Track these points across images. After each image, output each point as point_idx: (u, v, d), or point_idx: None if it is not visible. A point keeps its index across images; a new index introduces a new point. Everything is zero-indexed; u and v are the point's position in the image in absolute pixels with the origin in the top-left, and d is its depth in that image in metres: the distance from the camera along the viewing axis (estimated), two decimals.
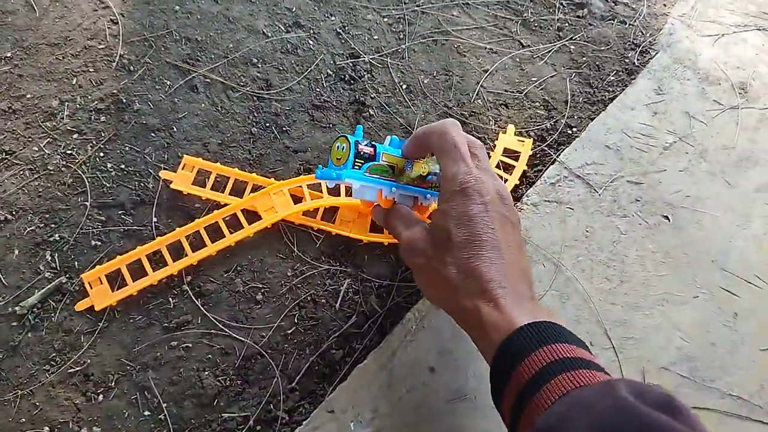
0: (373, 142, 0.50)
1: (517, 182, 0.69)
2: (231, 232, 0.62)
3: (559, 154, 0.70)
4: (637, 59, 0.79)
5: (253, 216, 0.63)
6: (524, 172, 0.70)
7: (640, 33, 0.82)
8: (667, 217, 0.67)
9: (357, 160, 0.48)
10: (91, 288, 0.59)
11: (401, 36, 0.79)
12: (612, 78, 0.78)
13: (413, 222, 0.51)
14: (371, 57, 0.76)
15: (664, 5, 0.86)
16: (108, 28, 0.75)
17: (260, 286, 0.61)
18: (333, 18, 0.79)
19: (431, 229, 0.49)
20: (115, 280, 0.60)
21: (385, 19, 0.80)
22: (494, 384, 0.42)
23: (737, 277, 0.64)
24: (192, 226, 0.62)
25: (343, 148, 0.48)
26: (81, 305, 0.59)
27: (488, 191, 0.46)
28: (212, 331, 0.59)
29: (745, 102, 0.76)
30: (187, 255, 0.61)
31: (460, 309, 0.45)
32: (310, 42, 0.77)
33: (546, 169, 0.70)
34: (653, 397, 0.35)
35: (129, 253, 0.60)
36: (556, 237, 0.65)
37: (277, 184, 0.64)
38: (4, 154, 0.66)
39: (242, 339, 0.58)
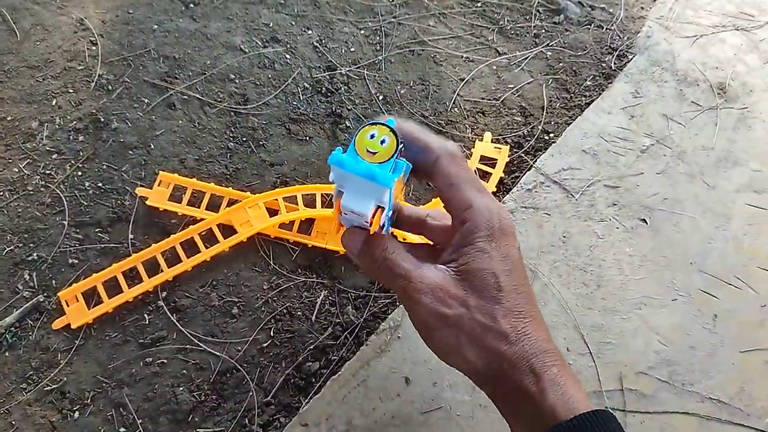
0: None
1: (494, 189, 0.68)
2: (207, 247, 0.62)
3: (536, 160, 0.70)
4: (615, 63, 0.79)
5: (229, 230, 0.64)
6: (501, 178, 0.69)
7: (618, 37, 0.82)
8: (644, 220, 0.67)
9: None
10: (68, 306, 0.60)
11: (378, 47, 0.79)
12: (589, 83, 0.78)
13: (419, 260, 0.39)
14: (348, 69, 0.77)
15: (642, 8, 0.86)
16: (88, 49, 0.76)
17: (236, 300, 0.61)
18: (310, 32, 0.80)
19: (466, 272, 0.37)
20: (92, 297, 0.60)
21: (362, 32, 0.81)
22: None
23: (716, 279, 0.63)
24: (167, 242, 0.62)
25: (383, 142, 0.35)
26: (58, 323, 0.59)
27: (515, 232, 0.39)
28: (187, 346, 0.59)
29: (724, 102, 0.76)
30: (162, 271, 0.61)
31: (502, 376, 0.36)
32: (287, 56, 0.78)
33: (523, 175, 0.70)
34: None
35: (105, 270, 0.61)
36: (533, 243, 0.65)
37: (253, 198, 0.64)
38: None
39: (217, 353, 0.59)
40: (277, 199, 0.65)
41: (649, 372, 0.58)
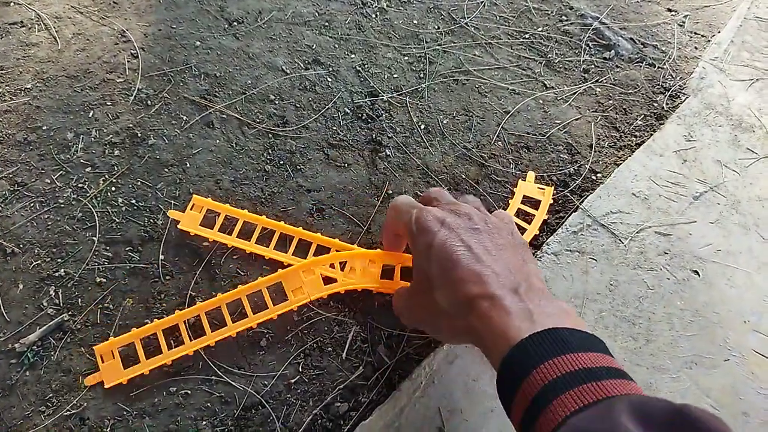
0: None
1: (537, 232, 0.66)
2: (254, 310, 0.58)
3: (582, 201, 0.67)
4: (667, 103, 0.77)
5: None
6: (544, 220, 0.67)
7: (670, 76, 0.79)
8: (696, 272, 0.63)
9: None
10: (103, 362, 0.56)
11: (421, 75, 0.77)
12: (639, 122, 0.75)
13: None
14: (390, 95, 0.75)
15: (695, 48, 0.83)
16: (128, 61, 0.75)
17: (264, 331, 0.59)
18: (353, 56, 0.78)
19: (414, 281, 0.51)
20: (128, 350, 0.57)
21: (406, 58, 0.79)
22: (503, 401, 0.41)
23: None
24: (213, 302, 0.58)
25: None
26: (90, 380, 0.55)
27: (441, 217, 0.47)
28: (213, 377, 0.56)
29: None
30: (206, 334, 0.57)
31: (464, 332, 0.45)
32: (329, 79, 0.76)
33: (568, 216, 0.67)
34: (658, 414, 0.32)
35: (145, 326, 0.57)
36: (578, 290, 0.62)
37: (307, 263, 0.59)
38: (16, 185, 0.66)
39: (243, 387, 0.56)
40: (333, 265, 0.61)
41: None
